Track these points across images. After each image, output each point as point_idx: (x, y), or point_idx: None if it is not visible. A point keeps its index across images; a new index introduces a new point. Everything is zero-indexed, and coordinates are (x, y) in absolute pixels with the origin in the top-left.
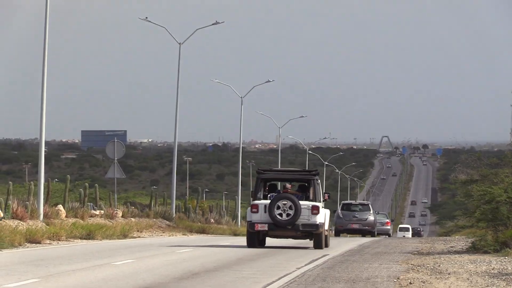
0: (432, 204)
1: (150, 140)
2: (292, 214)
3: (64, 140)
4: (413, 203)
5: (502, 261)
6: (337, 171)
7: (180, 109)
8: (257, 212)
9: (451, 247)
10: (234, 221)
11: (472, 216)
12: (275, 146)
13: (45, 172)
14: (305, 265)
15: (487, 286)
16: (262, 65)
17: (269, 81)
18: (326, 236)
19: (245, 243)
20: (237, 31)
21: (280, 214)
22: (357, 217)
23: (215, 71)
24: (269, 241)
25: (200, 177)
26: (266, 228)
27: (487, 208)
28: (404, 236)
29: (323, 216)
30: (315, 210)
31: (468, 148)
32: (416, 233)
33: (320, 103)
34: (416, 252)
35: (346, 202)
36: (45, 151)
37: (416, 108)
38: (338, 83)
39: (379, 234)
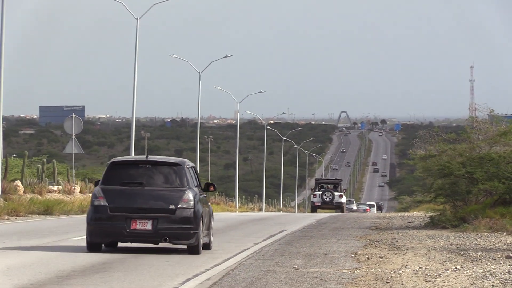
0: (390, 180)
1: (108, 115)
2: (331, 198)
3: (22, 115)
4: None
5: (460, 236)
6: (295, 146)
7: (138, 85)
8: (315, 197)
9: (409, 222)
10: None
11: (430, 190)
12: (233, 122)
13: (3, 148)
14: (263, 240)
15: (445, 261)
16: (220, 40)
17: (227, 56)
18: (344, 207)
19: None
20: (195, 5)
21: (326, 198)
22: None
23: (173, 46)
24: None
25: (158, 152)
26: (319, 204)
27: (446, 182)
28: (370, 211)
29: (344, 199)
30: (341, 196)
31: (427, 124)
32: (378, 207)
33: (278, 79)
34: (374, 228)
35: None
36: (3, 127)
37: (375, 83)
38: (296, 59)
39: None
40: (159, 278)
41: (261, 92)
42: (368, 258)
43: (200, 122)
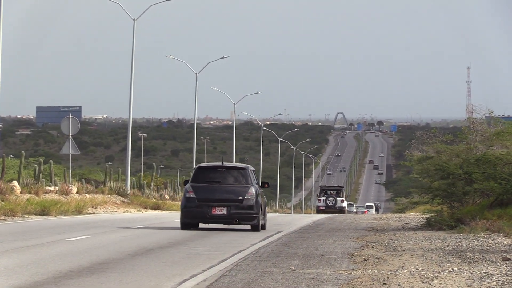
0: (387, 181)
1: (105, 116)
2: (334, 203)
3: (19, 116)
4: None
5: (457, 237)
6: (292, 147)
7: (135, 85)
8: (320, 202)
9: (406, 223)
10: None
11: (429, 191)
12: (229, 122)
13: (0, 148)
14: (260, 241)
15: (442, 262)
16: (217, 41)
17: (223, 57)
18: (346, 211)
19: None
20: (192, 6)
21: (329, 203)
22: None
23: (170, 47)
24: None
25: (155, 153)
26: (324, 208)
27: (443, 183)
28: (368, 212)
29: (345, 203)
30: (342, 201)
31: (423, 125)
32: (375, 208)
33: (275, 80)
34: (370, 229)
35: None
36: (0, 127)
37: (371, 84)
38: (293, 60)
39: None
40: (156, 279)
41: (257, 93)
42: (364, 259)
43: (197, 123)
